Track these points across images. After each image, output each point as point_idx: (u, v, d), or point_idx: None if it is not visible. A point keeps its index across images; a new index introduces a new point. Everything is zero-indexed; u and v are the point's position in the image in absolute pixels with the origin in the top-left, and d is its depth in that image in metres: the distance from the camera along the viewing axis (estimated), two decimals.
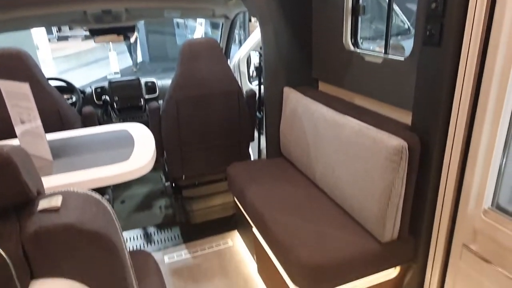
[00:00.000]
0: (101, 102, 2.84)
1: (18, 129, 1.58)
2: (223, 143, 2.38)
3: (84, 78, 9.12)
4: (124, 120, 2.90)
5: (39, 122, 1.45)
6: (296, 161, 2.12)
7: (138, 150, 1.55)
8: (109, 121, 2.86)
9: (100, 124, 2.87)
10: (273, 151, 2.36)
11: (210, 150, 2.36)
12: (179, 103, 2.17)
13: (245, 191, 1.94)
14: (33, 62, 1.92)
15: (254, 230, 1.93)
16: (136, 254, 1.43)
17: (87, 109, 2.17)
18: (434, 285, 1.53)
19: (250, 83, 3.22)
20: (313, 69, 2.21)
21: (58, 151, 1.60)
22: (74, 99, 2.71)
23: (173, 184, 2.49)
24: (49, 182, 1.32)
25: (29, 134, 1.54)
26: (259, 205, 1.79)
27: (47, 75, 2.49)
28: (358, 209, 1.56)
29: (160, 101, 3.00)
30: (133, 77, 2.97)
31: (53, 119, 1.94)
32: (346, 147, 1.61)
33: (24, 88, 1.40)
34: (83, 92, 2.88)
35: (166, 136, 2.26)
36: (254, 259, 2.13)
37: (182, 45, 2.16)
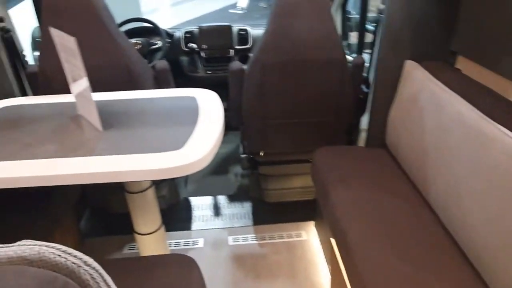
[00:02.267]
0: (188, 50, 2.57)
1: (72, 88, 1.37)
2: (316, 121, 1.94)
3: (194, 14, 8.91)
4: (210, 71, 2.60)
5: (86, 83, 1.21)
6: (403, 161, 1.61)
7: (199, 133, 1.22)
8: (194, 71, 2.60)
9: (185, 74, 2.63)
10: (375, 138, 1.86)
11: (298, 127, 1.95)
12: (265, 68, 1.76)
13: (329, 190, 1.53)
14: (103, 3, 1.66)
15: (333, 241, 1.54)
16: (175, 259, 1.18)
17: (161, 64, 1.89)
18: None
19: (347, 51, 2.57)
20: (456, 36, 1.57)
21: (111, 118, 1.36)
22: (159, 44, 2.48)
23: (250, 155, 2.17)
24: (87, 166, 1.08)
25: (81, 95, 1.31)
26: (344, 217, 1.37)
27: (133, 14, 2.27)
28: (491, 267, 1.05)
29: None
30: (224, 23, 2.60)
31: (122, 75, 1.71)
32: (491, 173, 1.07)
33: (71, 42, 1.14)
34: (171, 36, 2.62)
35: (246, 104, 1.90)
36: (329, 270, 1.77)
37: None
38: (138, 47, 2.42)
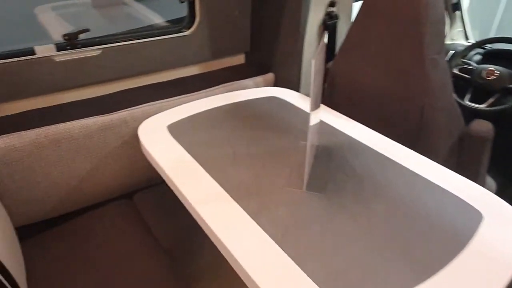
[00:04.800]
0: None
1: (311, 114, 1.06)
2: None
3: None
4: None
5: (317, 120, 0.89)
6: None
7: None
8: None
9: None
10: None
11: None
12: None
13: None
14: (433, 15, 1.13)
15: None
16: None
17: (479, 125, 1.24)
18: None
19: None
20: None
21: (343, 189, 0.97)
22: None
23: None
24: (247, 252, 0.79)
25: (312, 129, 0.99)
26: None
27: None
28: None
29: None
30: None
31: (410, 118, 1.22)
32: None
33: (321, 69, 0.80)
34: None
35: None
36: None
37: None
38: (493, 77, 1.69)
